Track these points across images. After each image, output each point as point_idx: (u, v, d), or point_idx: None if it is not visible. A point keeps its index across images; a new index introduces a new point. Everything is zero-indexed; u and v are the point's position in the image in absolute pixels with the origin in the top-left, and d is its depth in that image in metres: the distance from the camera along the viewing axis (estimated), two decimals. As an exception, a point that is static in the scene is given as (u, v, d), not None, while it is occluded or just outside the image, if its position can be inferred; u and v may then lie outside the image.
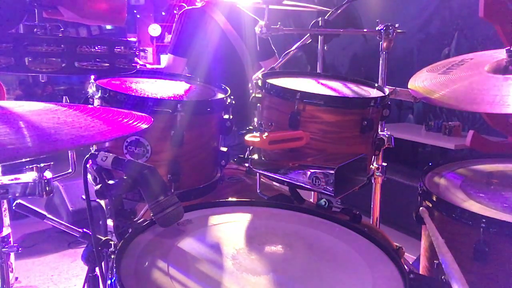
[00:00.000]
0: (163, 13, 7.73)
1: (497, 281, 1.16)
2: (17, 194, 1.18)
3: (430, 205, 1.33)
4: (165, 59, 3.06)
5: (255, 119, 1.45)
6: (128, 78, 1.53)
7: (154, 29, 7.60)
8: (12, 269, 1.34)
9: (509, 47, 1.37)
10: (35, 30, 1.40)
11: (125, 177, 1.02)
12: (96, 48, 1.39)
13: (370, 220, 1.76)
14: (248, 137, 1.35)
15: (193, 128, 1.32)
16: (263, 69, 2.68)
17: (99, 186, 1.05)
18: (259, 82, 1.41)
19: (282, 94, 1.34)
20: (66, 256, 3.48)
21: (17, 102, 0.98)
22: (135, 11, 7.58)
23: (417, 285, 0.92)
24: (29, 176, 1.19)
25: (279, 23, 1.73)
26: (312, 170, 1.24)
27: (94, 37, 7.18)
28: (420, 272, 1.42)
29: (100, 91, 1.32)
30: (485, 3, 2.48)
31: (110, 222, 1.33)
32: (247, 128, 1.45)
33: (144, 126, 0.94)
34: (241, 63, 2.63)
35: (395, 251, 1.33)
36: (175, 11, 6.59)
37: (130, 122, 0.94)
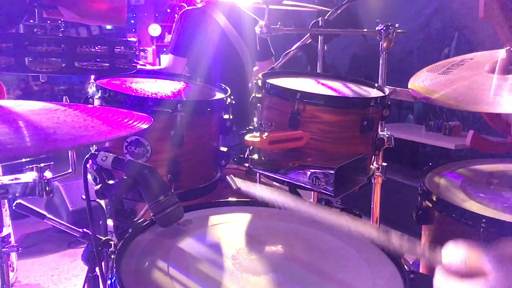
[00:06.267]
0: (168, 10, 7.71)
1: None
2: (17, 194, 1.18)
3: (430, 205, 1.33)
4: (165, 59, 3.06)
5: (255, 119, 1.44)
6: (128, 78, 1.53)
7: (154, 29, 7.60)
8: (13, 268, 1.34)
9: (509, 47, 1.37)
10: (35, 30, 1.40)
11: (125, 177, 1.02)
12: (96, 48, 1.39)
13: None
14: (248, 137, 1.35)
15: (193, 128, 1.32)
16: (256, 68, 2.68)
17: (99, 186, 1.05)
18: (259, 82, 1.41)
19: (282, 94, 1.34)
20: (66, 256, 3.48)
21: (16, 102, 0.98)
22: (134, 12, 7.60)
23: (417, 285, 0.92)
24: (29, 176, 1.19)
25: (279, 23, 1.73)
26: (312, 170, 1.24)
27: (94, 37, 7.18)
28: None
29: (100, 91, 1.32)
30: (485, 3, 2.48)
31: (110, 222, 1.33)
32: (247, 128, 1.45)
33: (144, 126, 0.94)
34: (241, 63, 2.63)
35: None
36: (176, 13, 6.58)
37: (130, 122, 0.94)
